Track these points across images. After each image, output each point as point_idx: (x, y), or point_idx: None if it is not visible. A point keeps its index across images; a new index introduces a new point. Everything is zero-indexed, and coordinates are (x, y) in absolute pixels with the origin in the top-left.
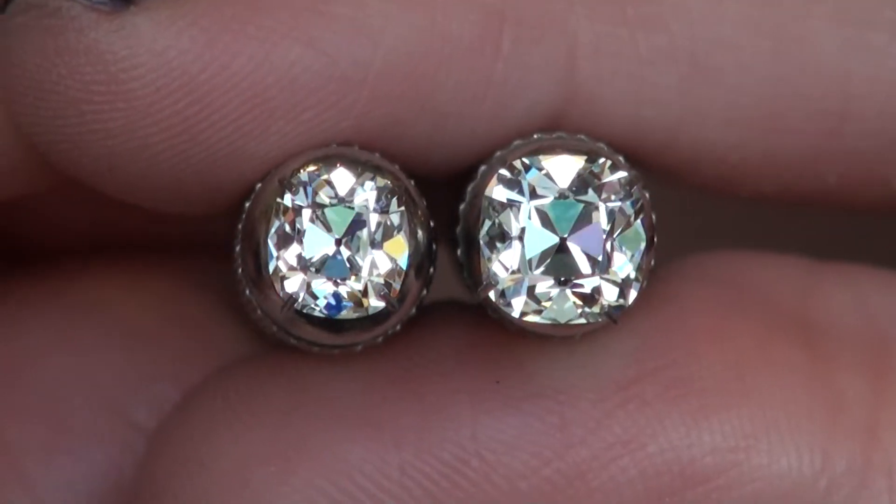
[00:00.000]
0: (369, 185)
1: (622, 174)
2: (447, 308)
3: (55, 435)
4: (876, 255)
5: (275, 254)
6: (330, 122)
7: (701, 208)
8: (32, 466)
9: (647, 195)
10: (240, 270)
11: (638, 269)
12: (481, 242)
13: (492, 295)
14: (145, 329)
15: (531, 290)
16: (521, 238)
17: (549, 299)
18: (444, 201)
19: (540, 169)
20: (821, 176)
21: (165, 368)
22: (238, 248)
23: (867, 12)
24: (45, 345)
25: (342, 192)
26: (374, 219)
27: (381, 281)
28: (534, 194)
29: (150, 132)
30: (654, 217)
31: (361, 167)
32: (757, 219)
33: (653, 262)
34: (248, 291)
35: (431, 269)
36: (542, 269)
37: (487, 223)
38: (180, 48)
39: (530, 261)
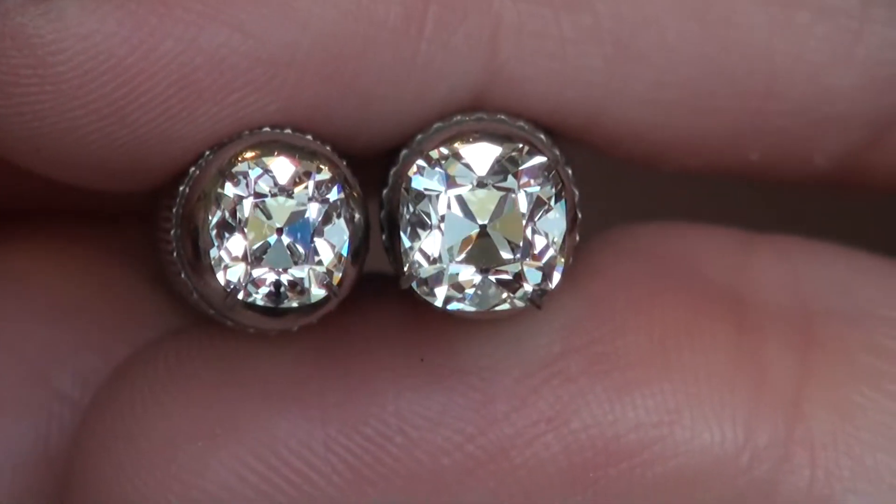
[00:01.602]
0: (309, 173)
1: (540, 159)
2: (376, 284)
3: None
4: (814, 228)
5: (216, 243)
6: (258, 104)
7: (635, 176)
8: None
9: (570, 172)
10: (175, 254)
11: (560, 251)
12: (402, 233)
13: (414, 285)
14: (70, 300)
15: (453, 279)
16: (440, 227)
17: (472, 287)
18: (374, 177)
19: (458, 157)
20: (744, 153)
21: (90, 339)
22: (174, 232)
23: None
24: None
25: (282, 182)
26: (314, 207)
27: (323, 269)
28: (452, 183)
29: (77, 115)
30: (576, 195)
31: (300, 154)
32: (693, 187)
33: (577, 238)
34: (183, 275)
35: (366, 250)
36: (463, 256)
37: (407, 213)
38: (107, 31)
39: (451, 249)
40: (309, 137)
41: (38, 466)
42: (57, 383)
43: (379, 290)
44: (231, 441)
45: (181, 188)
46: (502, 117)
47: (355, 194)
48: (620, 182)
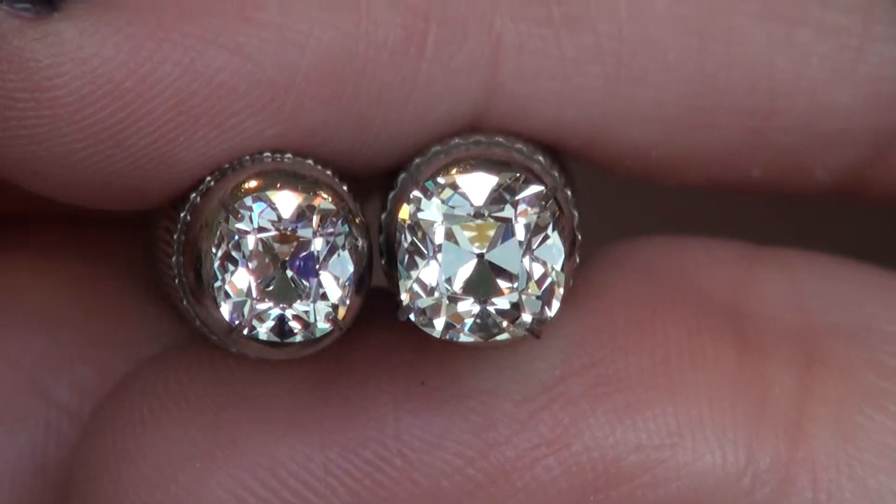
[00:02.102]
0: (312, 207)
1: (537, 188)
2: (378, 303)
3: None
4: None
5: (220, 276)
6: (257, 127)
7: (637, 190)
8: None
9: (570, 193)
10: (177, 280)
11: (559, 280)
12: (399, 264)
13: (412, 317)
14: (67, 311)
15: (451, 310)
16: (437, 257)
17: (471, 317)
18: (376, 197)
19: (454, 187)
20: (746, 169)
21: (87, 350)
22: (176, 259)
23: (792, 9)
24: None
25: (286, 216)
26: (318, 242)
27: (328, 303)
28: (449, 213)
29: (74, 139)
30: (576, 217)
31: (302, 185)
32: (698, 200)
33: (578, 261)
34: (185, 302)
35: (370, 277)
36: (461, 286)
37: (405, 243)
38: (105, 56)
39: (449, 279)
40: (310, 162)
41: (35, 477)
42: (54, 394)
43: (380, 309)
44: (230, 462)
45: (182, 214)
46: (500, 140)
47: (358, 221)
48: (621, 195)
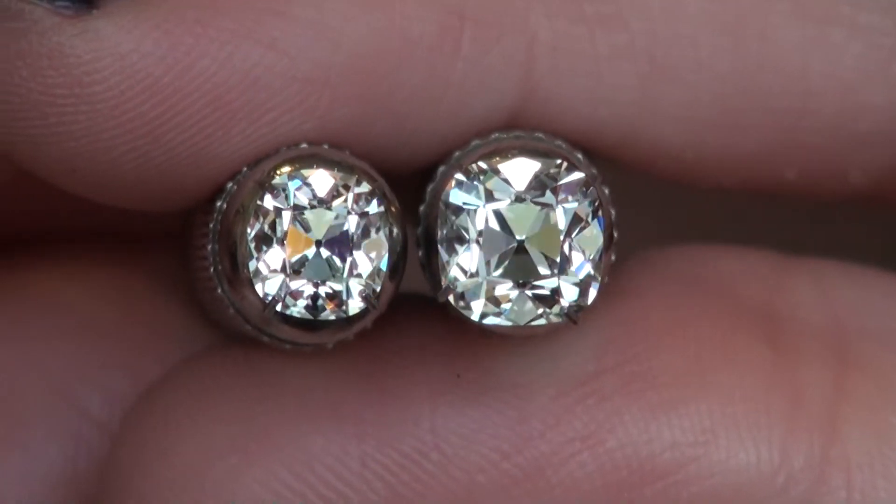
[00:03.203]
0: (348, 186)
1: (578, 175)
2: (412, 302)
3: (8, 428)
4: (849, 249)
5: (254, 255)
6: (292, 122)
7: (672, 198)
8: None
9: (607, 191)
10: (212, 269)
11: (597, 268)
12: (440, 246)
13: (451, 299)
14: (97, 321)
15: (490, 293)
16: (478, 241)
17: (509, 301)
18: (411, 198)
19: (496, 172)
20: (779, 170)
21: (118, 360)
22: (211, 247)
23: (825, 9)
24: None
25: (321, 194)
26: (353, 220)
27: (362, 282)
28: (490, 197)
29: (113, 134)
30: (613, 214)
31: (338, 168)
32: (729, 209)
33: (613, 258)
34: (220, 290)
35: (404, 266)
36: (500, 271)
37: (445, 227)
38: (143, 51)
39: (488, 263)
40: (347, 153)
41: (65, 488)
42: (85, 405)
43: (415, 309)
44: (265, 457)
45: (218, 203)
46: (539, 135)
47: (394, 209)
48: (655, 204)
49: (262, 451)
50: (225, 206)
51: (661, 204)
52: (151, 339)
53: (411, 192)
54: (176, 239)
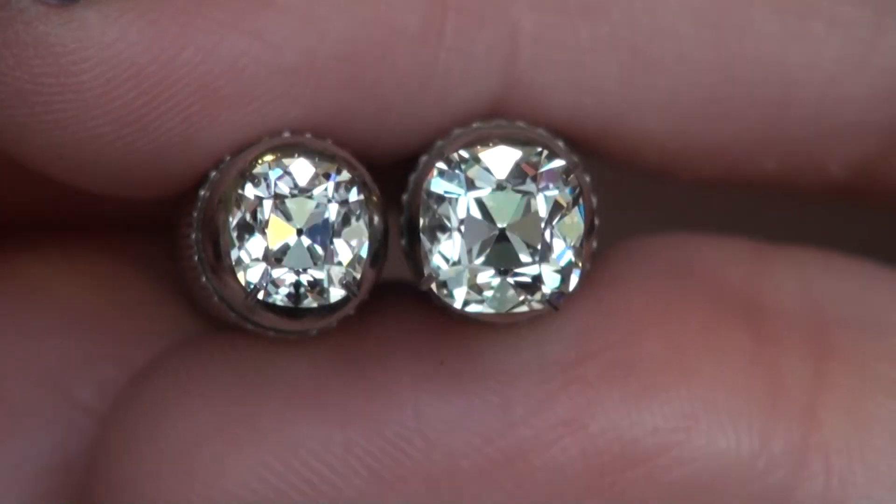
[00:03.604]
0: (328, 174)
1: (559, 163)
2: (396, 290)
3: (1, 416)
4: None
5: (236, 244)
6: (277, 111)
7: (654, 188)
8: None
9: (588, 179)
10: (196, 258)
11: (578, 255)
12: (422, 235)
13: (433, 287)
14: (86, 311)
15: (472, 281)
16: (460, 229)
17: (491, 289)
18: (394, 187)
19: (477, 160)
20: (760, 162)
21: (108, 349)
22: (195, 236)
23: (806, 2)
24: None
25: (302, 183)
26: (333, 208)
27: (342, 270)
28: (472, 186)
29: (99, 123)
30: (594, 201)
31: (319, 157)
32: (711, 199)
33: (595, 245)
34: (204, 279)
35: (385, 254)
36: (482, 259)
37: (427, 215)
38: (129, 40)
39: (470, 251)
40: (329, 141)
41: (57, 475)
42: (76, 393)
43: (398, 296)
44: (251, 442)
45: (201, 192)
46: (521, 124)
47: (374, 198)
48: (636, 194)
49: (248, 436)
50: (208, 194)
51: (644, 193)
52: (140, 328)
53: (394, 180)
54: (164, 227)
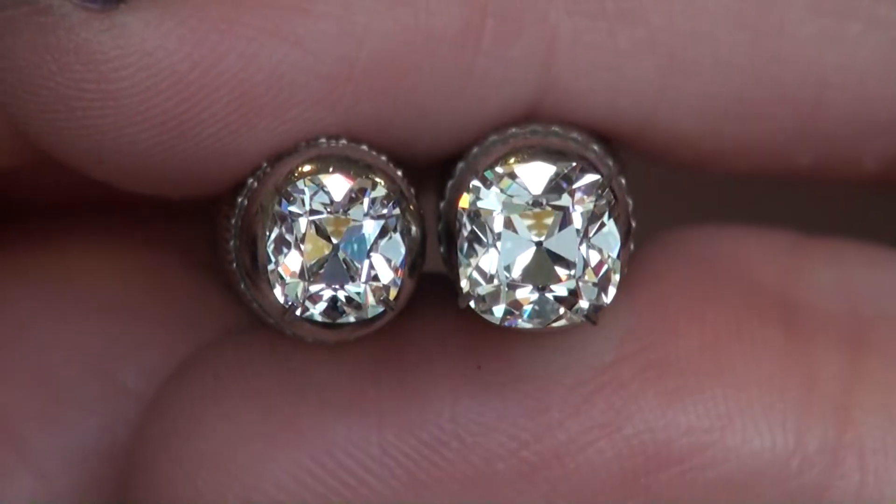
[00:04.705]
0: (364, 189)
1: (594, 177)
2: (434, 288)
3: (49, 403)
4: (867, 228)
5: (273, 259)
6: (315, 118)
7: (691, 178)
8: (28, 434)
9: (623, 181)
10: (234, 265)
11: (615, 267)
12: (459, 252)
13: (472, 304)
14: (130, 298)
15: (510, 297)
16: (496, 245)
17: (529, 304)
18: (429, 183)
19: (513, 176)
20: (794, 157)
21: (152, 336)
22: (233, 243)
23: (843, 2)
24: (32, 315)
25: (337, 199)
26: (369, 223)
27: (380, 284)
28: (508, 202)
29: (139, 129)
30: (630, 204)
31: (355, 170)
32: (749, 189)
33: (632, 247)
34: (243, 286)
35: (422, 263)
36: (519, 274)
37: (464, 231)
38: (169, 48)
39: (508, 267)
40: (364, 148)
41: (104, 460)
42: (122, 378)
43: (435, 293)
44: (289, 443)
45: (240, 199)
46: (556, 129)
47: (412, 207)
48: (672, 184)
49: (286, 438)
50: (246, 203)
51: (678, 185)
52: (184, 316)
53: (431, 177)
54: (207, 217)
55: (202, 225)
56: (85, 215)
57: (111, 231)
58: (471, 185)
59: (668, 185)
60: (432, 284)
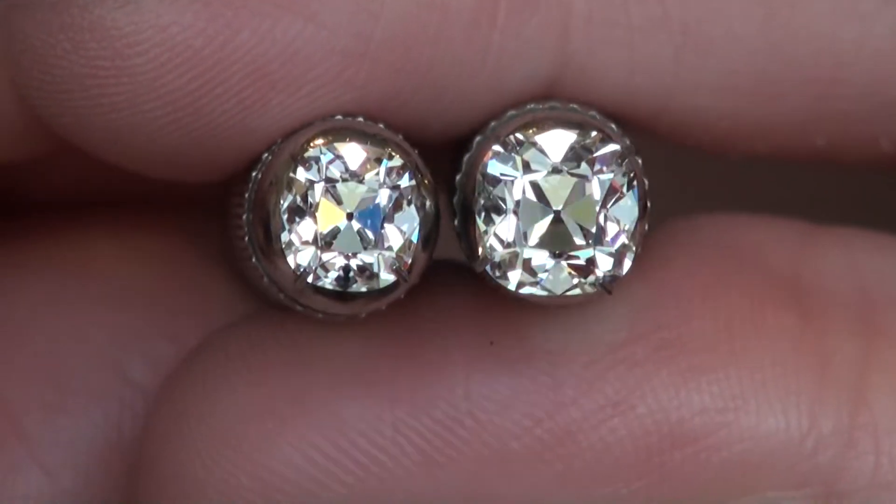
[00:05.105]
0: (380, 159)
1: (614, 146)
2: (446, 270)
3: (54, 394)
4: (875, 215)
5: (286, 226)
6: (331, 95)
7: (702, 166)
8: (33, 426)
9: (640, 161)
10: (246, 238)
11: (632, 238)
12: (477, 217)
13: (488, 269)
14: (138, 288)
15: (527, 263)
16: (515, 212)
17: (545, 271)
18: (444, 168)
19: (533, 143)
20: (810, 138)
21: (160, 326)
22: (246, 217)
23: None
24: (39, 306)
25: (353, 167)
26: (384, 193)
27: (393, 254)
28: (527, 168)
29: (153, 106)
30: (646, 184)
31: (371, 141)
32: (757, 177)
33: (647, 227)
34: (255, 259)
35: (436, 238)
36: (537, 241)
37: (482, 197)
38: (184, 24)
39: (525, 234)
40: (381, 125)
41: (110, 452)
42: (129, 370)
43: (448, 276)
44: (299, 422)
45: (253, 174)
46: (574, 106)
47: (426, 182)
48: (686, 172)
49: (297, 416)
50: (260, 176)
51: (692, 170)
52: (192, 305)
53: (446, 160)
54: (217, 205)
55: (210, 215)
56: (93, 206)
57: (118, 221)
58: (491, 151)
59: (678, 175)
60: (445, 269)
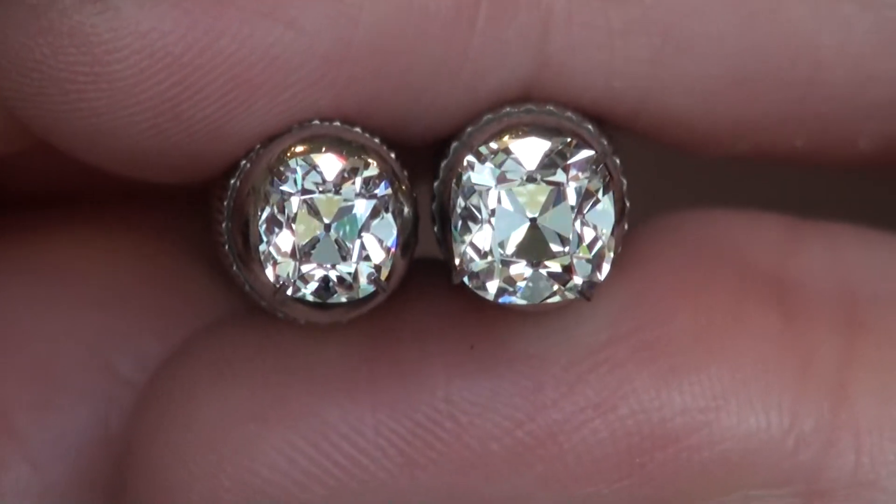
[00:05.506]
0: (356, 169)
1: (588, 152)
2: (428, 271)
3: (43, 391)
4: (858, 211)
5: (265, 238)
6: (310, 99)
7: (685, 162)
8: (23, 422)
9: (618, 161)
10: (226, 246)
11: (609, 244)
12: (453, 229)
13: (466, 280)
14: (125, 286)
15: (504, 273)
16: (491, 221)
17: (524, 280)
18: (426, 165)
19: (507, 152)
20: (789, 139)
21: (148, 324)
22: (225, 225)
23: None
24: (25, 304)
25: (330, 178)
26: (361, 203)
27: (371, 264)
28: (502, 178)
29: (133, 111)
30: (624, 184)
31: (347, 150)
32: (741, 172)
33: (626, 227)
34: (235, 268)
35: (415, 244)
36: (513, 250)
37: (458, 207)
38: (163, 30)
39: (502, 243)
40: (358, 130)
41: (98, 449)
42: (117, 367)
43: (429, 276)
44: (282, 424)
45: (232, 181)
46: (551, 108)
47: (403, 188)
48: (667, 167)
49: (279, 419)
50: (238, 184)
51: (672, 168)
52: (179, 304)
53: (424, 160)
54: (202, 204)
55: (195, 213)
56: (78, 204)
57: (104, 220)
58: (465, 161)
59: (660, 171)
60: (425, 268)
